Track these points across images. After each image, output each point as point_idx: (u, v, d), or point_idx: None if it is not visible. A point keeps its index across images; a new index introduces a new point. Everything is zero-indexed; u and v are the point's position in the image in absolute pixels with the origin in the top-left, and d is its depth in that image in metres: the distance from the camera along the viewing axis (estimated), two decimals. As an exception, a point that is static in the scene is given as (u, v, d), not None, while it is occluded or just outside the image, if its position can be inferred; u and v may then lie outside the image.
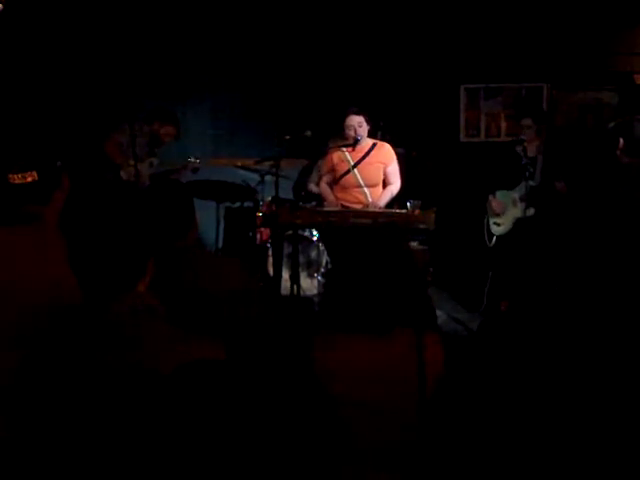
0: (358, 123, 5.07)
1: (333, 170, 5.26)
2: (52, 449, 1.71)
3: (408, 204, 4.71)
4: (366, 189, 5.17)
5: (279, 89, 6.49)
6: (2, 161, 2.22)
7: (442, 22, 6.32)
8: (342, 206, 5.11)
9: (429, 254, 5.31)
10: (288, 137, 4.85)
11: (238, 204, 5.94)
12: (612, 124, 3.69)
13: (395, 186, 5.23)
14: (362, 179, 5.16)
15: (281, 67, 6.47)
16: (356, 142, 5.09)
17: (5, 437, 1.78)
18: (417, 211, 4.62)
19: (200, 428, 1.69)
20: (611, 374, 1.95)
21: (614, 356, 2.02)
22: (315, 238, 5.41)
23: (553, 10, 6.22)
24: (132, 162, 5.07)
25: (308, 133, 4.88)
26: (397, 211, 4.88)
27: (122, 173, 5.35)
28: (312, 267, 5.45)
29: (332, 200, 5.20)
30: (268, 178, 5.43)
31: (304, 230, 5.28)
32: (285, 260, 5.22)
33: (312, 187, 5.67)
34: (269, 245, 5.55)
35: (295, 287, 4.76)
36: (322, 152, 5.47)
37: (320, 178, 5.43)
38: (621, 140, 3.48)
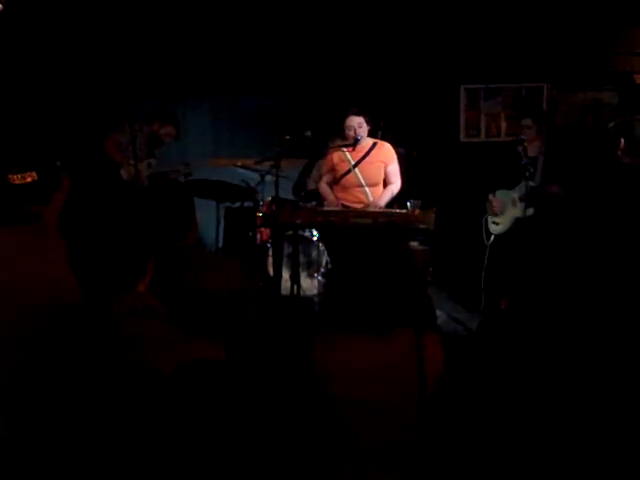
0: (358, 124, 5.07)
1: (333, 170, 5.26)
2: (52, 449, 1.71)
3: (408, 204, 4.71)
4: (367, 188, 5.17)
5: (279, 89, 6.49)
6: (2, 162, 2.22)
7: (442, 22, 6.32)
8: (343, 206, 5.11)
9: (429, 254, 5.31)
10: (288, 137, 4.85)
11: (238, 204, 5.94)
12: (612, 124, 3.69)
13: (395, 185, 5.23)
14: (363, 178, 5.16)
15: (281, 67, 6.47)
16: (356, 142, 5.09)
17: (5, 437, 1.78)
18: (417, 211, 4.62)
19: (200, 428, 1.69)
20: (611, 374, 1.95)
21: (614, 356, 2.02)
22: (315, 238, 5.41)
23: (553, 10, 6.22)
24: (132, 162, 5.07)
25: (308, 133, 4.88)
26: (397, 211, 4.88)
27: (122, 172, 5.35)
28: (312, 267, 5.45)
29: (332, 200, 5.20)
30: (268, 178, 5.43)
31: (304, 230, 5.28)
32: (285, 260, 5.22)
33: (312, 187, 5.67)
34: (269, 245, 5.55)
35: (295, 287, 4.76)
36: (322, 152, 5.47)
37: (320, 178, 5.43)
38: (622, 140, 3.48)
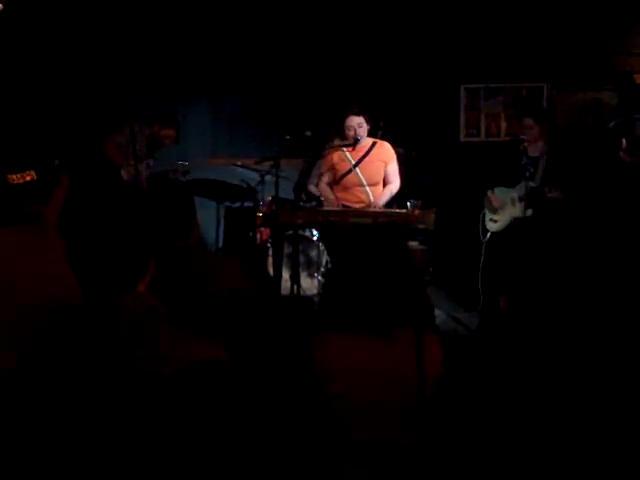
0: (358, 124, 5.08)
1: (333, 170, 5.26)
2: (52, 449, 1.70)
3: (408, 204, 4.71)
4: (368, 188, 5.17)
5: (279, 89, 6.49)
6: (0, 161, 2.22)
7: (442, 22, 6.32)
8: (343, 206, 5.11)
9: (428, 254, 5.31)
10: (288, 137, 4.86)
11: (238, 204, 5.94)
12: (612, 124, 3.69)
13: (395, 185, 5.23)
14: (364, 178, 5.16)
15: (281, 67, 6.47)
16: (356, 142, 5.09)
17: (5, 437, 1.78)
18: (417, 211, 4.62)
19: (200, 429, 1.69)
20: (611, 373, 1.95)
21: (614, 356, 2.02)
22: (315, 238, 5.42)
23: (553, 10, 6.22)
24: (132, 162, 5.07)
25: (308, 133, 4.89)
26: (397, 211, 4.88)
27: (123, 172, 5.35)
28: (312, 267, 5.45)
29: (332, 200, 5.20)
30: (268, 178, 5.43)
31: (304, 230, 5.28)
32: (285, 260, 5.22)
33: (312, 188, 5.67)
34: (269, 245, 5.55)
35: (295, 287, 4.76)
36: (322, 152, 5.47)
37: (320, 178, 5.43)
38: (624, 140, 3.48)
